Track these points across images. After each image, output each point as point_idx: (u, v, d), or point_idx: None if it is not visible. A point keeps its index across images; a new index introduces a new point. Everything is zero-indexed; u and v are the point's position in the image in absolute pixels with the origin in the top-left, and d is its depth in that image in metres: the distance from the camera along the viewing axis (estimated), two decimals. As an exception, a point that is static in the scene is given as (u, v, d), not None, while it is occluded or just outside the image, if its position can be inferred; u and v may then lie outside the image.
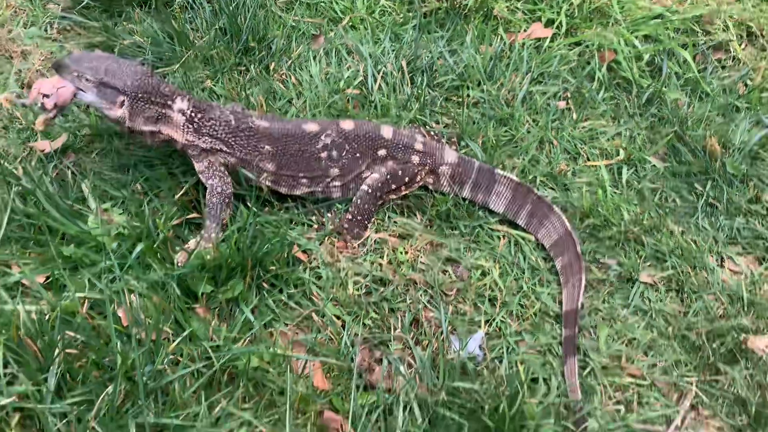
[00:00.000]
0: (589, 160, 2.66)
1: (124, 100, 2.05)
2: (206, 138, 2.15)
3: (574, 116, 2.81)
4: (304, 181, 2.27)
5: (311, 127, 2.26)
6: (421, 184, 2.39)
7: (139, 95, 2.06)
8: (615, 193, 2.56)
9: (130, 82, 2.05)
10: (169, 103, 2.12)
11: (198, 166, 2.18)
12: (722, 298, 2.29)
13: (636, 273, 2.32)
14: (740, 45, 3.16)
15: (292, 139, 2.22)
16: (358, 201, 2.27)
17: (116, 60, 2.11)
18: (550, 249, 2.31)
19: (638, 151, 2.70)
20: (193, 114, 2.13)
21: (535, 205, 2.31)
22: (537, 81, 2.91)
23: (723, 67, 3.12)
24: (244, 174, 2.19)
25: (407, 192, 2.36)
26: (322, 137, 2.25)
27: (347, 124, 2.30)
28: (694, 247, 2.42)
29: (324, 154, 2.26)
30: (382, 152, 2.32)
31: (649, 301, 2.27)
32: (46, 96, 2.00)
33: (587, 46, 3.03)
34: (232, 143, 2.18)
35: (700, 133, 2.75)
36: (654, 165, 2.68)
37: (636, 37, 3.04)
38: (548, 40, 3.04)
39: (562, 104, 2.85)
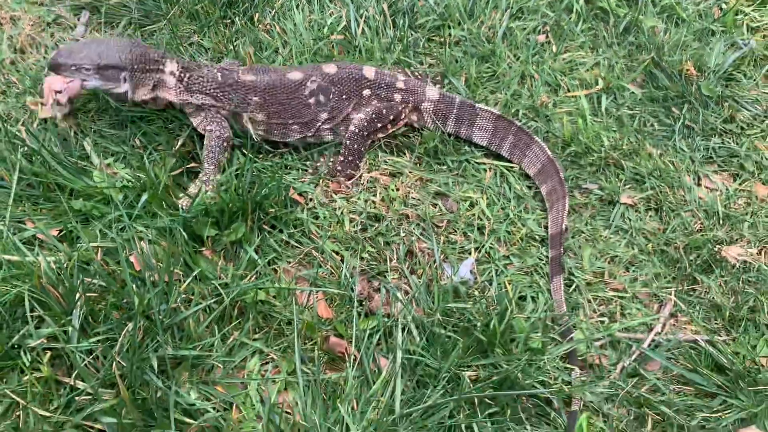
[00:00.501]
0: (569, 91, 2.75)
1: (125, 75, 2.18)
2: (197, 95, 2.27)
3: (554, 49, 2.89)
4: (295, 127, 2.37)
5: (296, 75, 2.35)
6: (405, 121, 2.49)
7: (136, 66, 2.18)
8: (595, 121, 2.66)
9: (125, 57, 2.16)
10: (161, 67, 2.23)
11: (194, 121, 2.29)
12: (699, 214, 2.42)
13: (617, 195, 2.44)
14: (715, -31, 3.21)
15: (278, 89, 2.32)
16: (348, 142, 2.37)
17: (103, 42, 2.22)
18: (535, 177, 2.43)
19: (617, 80, 2.79)
20: (182, 74, 2.24)
21: (516, 136, 2.42)
22: (516, 17, 2.97)
23: (698, -8, 3.18)
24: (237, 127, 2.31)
25: (393, 130, 2.46)
26: (308, 83, 2.34)
27: (330, 68, 2.38)
28: (672, 168, 2.54)
29: (312, 100, 2.35)
30: (366, 92, 2.41)
31: (630, 220, 2.40)
32: (58, 92, 2.17)
33: (564, -21, 3.08)
34: (221, 97, 2.28)
35: (676, 59, 2.84)
36: (632, 92, 2.78)
37: (612, -33, 3.09)
38: (526, -25, 3.09)
39: (541, 38, 2.92)
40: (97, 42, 2.22)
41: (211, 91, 2.26)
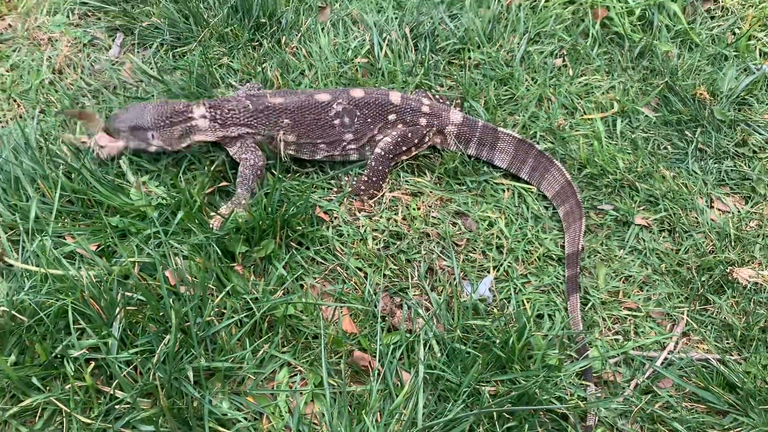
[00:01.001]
0: (585, 113, 2.84)
1: (153, 134, 2.32)
2: (233, 128, 2.38)
3: (570, 72, 2.98)
4: (322, 146, 2.47)
5: (323, 96, 2.45)
6: (429, 144, 2.58)
7: (161, 124, 2.32)
8: (610, 143, 2.74)
9: (149, 118, 2.32)
10: (190, 115, 2.35)
11: (231, 150, 2.40)
12: (711, 236, 2.49)
13: (631, 216, 2.52)
14: (728, -5, 3.30)
15: (306, 110, 2.42)
16: (373, 163, 2.46)
17: (141, 106, 2.37)
18: (553, 199, 2.51)
19: (631, 103, 2.87)
20: (213, 113, 2.35)
21: (536, 159, 2.51)
22: (534, 40, 3.07)
23: (712, 18, 3.26)
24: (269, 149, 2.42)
25: (417, 152, 2.55)
26: (334, 105, 2.44)
27: (357, 92, 2.48)
28: (685, 190, 2.62)
29: (337, 122, 2.45)
30: (392, 117, 2.50)
31: (644, 241, 2.48)
32: (101, 147, 2.33)
33: (581, 4, 3.18)
34: (255, 124, 2.39)
35: (689, 83, 2.92)
36: (646, 115, 2.86)
37: (627, -7, 3.19)
38: (543, 0, 3.19)
39: (558, 62, 3.01)
40: (138, 106, 2.38)
41: (246, 120, 2.37)
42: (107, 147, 2.32)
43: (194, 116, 2.34)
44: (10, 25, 2.89)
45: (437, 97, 2.71)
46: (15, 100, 2.60)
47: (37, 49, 2.80)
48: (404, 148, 2.50)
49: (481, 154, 2.59)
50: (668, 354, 2.19)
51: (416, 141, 2.51)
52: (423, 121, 2.53)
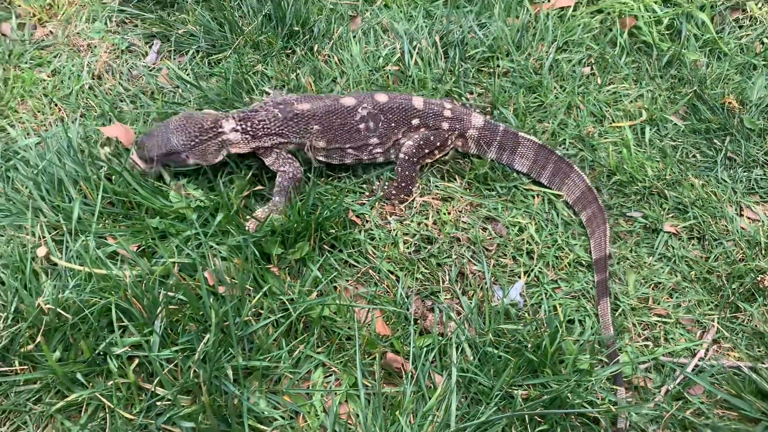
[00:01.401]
0: (613, 121, 2.86)
1: (187, 155, 2.33)
2: (265, 138, 2.41)
3: (599, 81, 3.00)
4: (350, 151, 2.51)
5: (348, 101, 2.48)
6: (452, 147, 2.62)
7: (192, 144, 2.32)
8: (639, 151, 2.76)
9: (177, 141, 2.30)
10: (220, 130, 2.36)
11: (267, 161, 2.43)
12: (741, 244, 2.50)
13: (660, 224, 2.53)
14: (757, 4, 3.30)
15: (333, 115, 2.46)
16: (399, 169, 2.50)
17: (164, 128, 2.32)
18: (574, 204, 2.54)
19: (660, 111, 2.89)
20: (244, 126, 2.38)
21: (556, 165, 2.54)
22: (562, 49, 3.10)
23: (740, 27, 3.27)
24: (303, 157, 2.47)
25: (440, 156, 2.59)
26: (359, 110, 2.48)
27: (382, 97, 2.52)
28: (714, 198, 2.63)
29: (362, 126, 2.49)
30: (415, 121, 2.54)
31: (673, 248, 2.49)
32: (137, 164, 2.33)
33: (609, 14, 3.21)
34: (287, 133, 2.42)
35: (718, 92, 2.93)
36: (675, 123, 2.87)
37: (655, 2, 3.20)
38: (571, 9, 3.22)
39: (586, 70, 3.04)
40: (158, 129, 2.33)
41: (277, 129, 2.40)
42: (143, 169, 2.34)
43: (225, 130, 2.36)
44: (51, 32, 2.97)
45: (462, 104, 2.75)
46: (56, 105, 2.67)
47: (77, 55, 2.88)
48: (427, 151, 2.53)
49: (501, 159, 2.62)
50: (699, 361, 2.20)
51: (438, 144, 2.54)
52: (445, 125, 2.56)
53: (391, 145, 2.54)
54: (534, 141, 2.55)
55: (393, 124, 2.52)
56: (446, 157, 2.64)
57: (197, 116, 2.38)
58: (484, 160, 2.60)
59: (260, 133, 2.39)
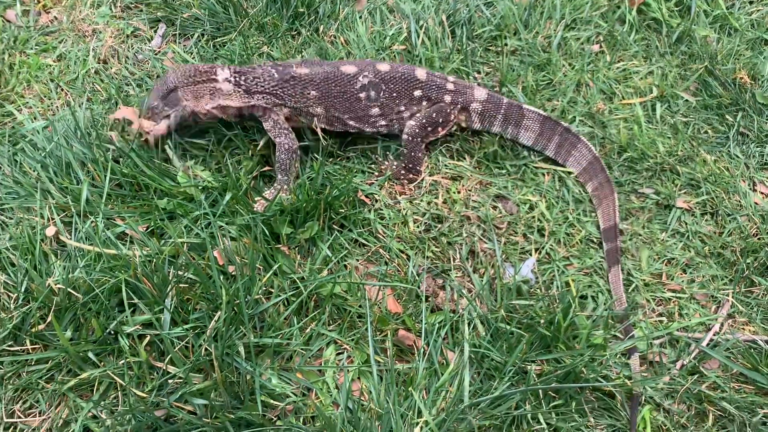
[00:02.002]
0: (624, 98, 2.83)
1: (181, 93, 2.32)
2: (258, 96, 2.37)
3: (608, 58, 2.97)
4: (351, 123, 2.47)
5: (349, 68, 2.44)
6: (455, 122, 2.58)
7: (187, 81, 2.32)
8: (650, 127, 2.73)
9: (173, 78, 2.33)
10: (213, 77, 2.35)
11: (265, 125, 2.40)
12: (755, 219, 2.47)
13: (672, 200, 2.51)
14: (767, -21, 3.26)
15: (333, 82, 2.42)
16: (405, 150, 2.47)
17: (163, 77, 2.37)
18: (580, 175, 2.51)
19: (670, 88, 2.86)
20: (237, 78, 2.36)
21: (562, 136, 2.51)
22: (570, 27, 3.06)
23: (750, 2, 3.23)
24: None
25: (445, 132, 2.55)
26: (360, 78, 2.44)
27: (383, 66, 2.47)
28: (727, 174, 2.60)
29: (363, 95, 2.45)
30: (417, 93, 2.50)
31: (686, 224, 2.46)
32: (147, 132, 2.33)
33: (617, -10, 3.17)
34: (281, 94, 2.39)
35: (729, 67, 2.89)
36: (686, 100, 2.84)
37: (664, -22, 3.16)
38: (579, -13, 3.18)
39: (595, 47, 3.00)
40: (158, 80, 2.39)
41: (271, 89, 2.37)
42: (153, 131, 2.33)
43: (218, 78, 2.34)
44: (56, 18, 2.96)
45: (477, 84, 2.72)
46: (63, 89, 2.66)
47: (82, 41, 2.87)
48: (430, 129, 2.50)
49: (506, 132, 2.59)
50: (714, 335, 2.17)
51: (441, 120, 2.51)
52: (448, 98, 2.52)
53: (393, 117, 2.50)
54: (539, 112, 2.52)
55: (395, 95, 2.47)
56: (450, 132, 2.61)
57: (193, 64, 2.40)
58: (492, 137, 2.58)
59: (253, 89, 2.36)
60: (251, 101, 2.37)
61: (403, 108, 2.50)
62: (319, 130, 2.43)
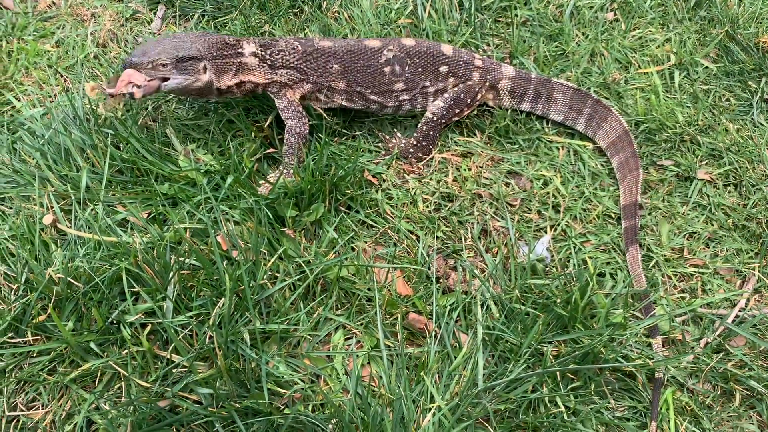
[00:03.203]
0: (640, 67, 2.71)
1: (205, 65, 2.17)
2: (281, 71, 2.28)
3: (623, 26, 2.85)
4: (373, 97, 2.38)
5: (373, 43, 2.36)
6: (481, 101, 2.49)
7: (215, 54, 2.18)
8: (668, 97, 2.61)
9: (201, 46, 2.16)
10: (240, 50, 2.23)
11: (279, 104, 2.31)
12: (781, 188, 2.36)
13: (693, 171, 2.40)
14: (790, -63, 3.10)
15: (356, 55, 2.33)
16: (423, 128, 2.38)
17: (177, 36, 2.20)
18: (607, 149, 2.41)
19: (689, 55, 2.74)
20: (263, 52, 2.26)
21: (593, 108, 2.40)
22: (583, -5, 2.95)
23: (773, -38, 3.08)
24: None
25: (469, 112, 2.46)
26: (384, 52, 2.35)
27: (408, 41, 2.39)
28: (751, 143, 2.48)
29: (387, 69, 2.36)
30: (443, 68, 2.41)
31: (708, 196, 2.36)
32: (137, 87, 2.08)
33: (632, -45, 3.03)
34: (305, 68, 2.30)
35: (752, 31, 2.77)
36: (706, 67, 2.72)
37: (681, -59, 3.03)
38: (592, -47, 3.05)
39: (609, 15, 2.88)
40: (171, 37, 2.19)
41: (295, 63, 2.28)
42: (144, 87, 2.09)
43: (244, 52, 2.23)
44: (54, 3, 2.89)
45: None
46: (61, 75, 2.61)
47: (81, 25, 2.80)
48: (456, 111, 2.41)
49: (536, 109, 2.49)
50: (740, 311, 2.08)
51: (468, 101, 2.41)
52: (476, 75, 2.43)
53: (417, 92, 2.41)
54: (568, 85, 2.43)
55: (420, 69, 2.39)
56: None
57: (215, 34, 2.26)
58: (503, 111, 2.48)
59: (278, 64, 2.27)
60: (274, 77, 2.28)
61: (428, 83, 2.41)
62: (323, 113, 2.35)
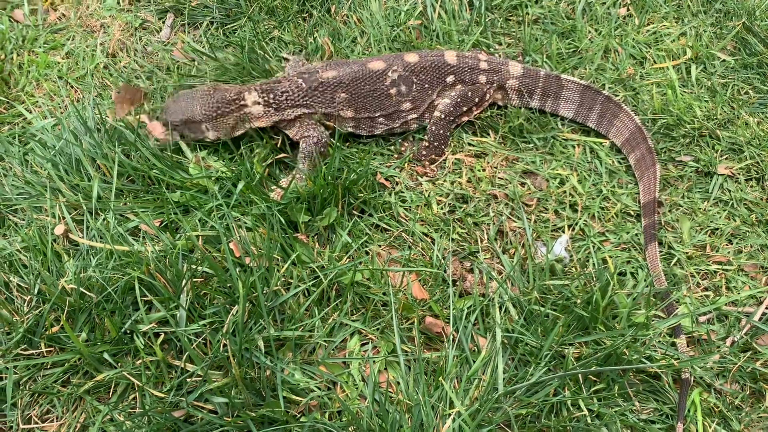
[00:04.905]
0: (655, 62, 2.66)
1: (207, 125, 2.24)
2: (289, 110, 2.28)
3: (636, 22, 2.80)
4: (381, 120, 2.37)
5: (377, 65, 2.34)
6: (490, 101, 2.45)
7: (213, 115, 2.23)
8: (685, 92, 2.56)
9: (199, 110, 2.23)
10: (242, 103, 2.25)
11: (290, 133, 2.31)
12: (805, 182, 2.30)
13: (713, 166, 2.35)
14: (806, -73, 3.04)
15: (361, 81, 2.31)
16: (433, 128, 2.35)
17: (190, 95, 2.27)
18: (623, 146, 2.37)
19: (705, 48, 2.68)
20: (267, 98, 2.26)
21: (604, 105, 2.36)
22: (595, -9, 2.90)
23: (789, -48, 3.02)
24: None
25: (478, 112, 2.43)
26: (389, 73, 2.33)
27: (411, 57, 2.37)
28: (772, 136, 2.42)
29: (393, 90, 2.34)
30: (450, 78, 2.39)
31: (729, 191, 2.30)
32: (157, 140, 2.28)
33: (644, -51, 2.99)
34: (312, 103, 2.29)
35: (769, 22, 2.71)
36: (723, 60, 2.67)
37: (694, -67, 2.98)
38: (603, -51, 3.01)
39: (622, 11, 2.84)
40: (185, 96, 2.28)
41: (301, 100, 2.27)
42: (162, 138, 2.27)
43: (247, 103, 2.25)
44: (63, 15, 2.90)
45: (494, 55, 2.59)
46: (72, 86, 2.60)
47: (91, 36, 2.80)
48: (464, 109, 2.38)
49: (545, 106, 2.45)
50: (766, 309, 2.02)
51: (476, 100, 2.39)
52: (482, 78, 2.40)
53: (425, 108, 2.40)
54: (578, 82, 2.38)
55: (426, 86, 2.37)
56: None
57: (223, 87, 2.30)
58: (517, 110, 2.44)
59: (284, 105, 2.27)
60: (281, 117, 2.29)
61: (435, 96, 2.39)
62: (338, 127, 2.33)
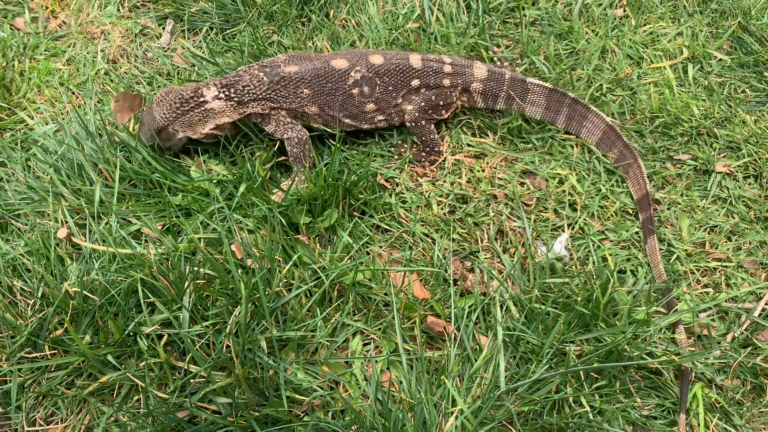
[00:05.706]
0: (652, 62, 2.68)
1: (173, 128, 2.23)
2: (252, 104, 2.26)
3: (633, 22, 2.82)
4: (347, 121, 2.34)
5: (340, 63, 2.30)
6: (457, 104, 2.44)
7: (174, 116, 2.22)
8: (682, 90, 2.58)
9: (160, 115, 2.22)
10: (201, 99, 2.23)
11: (268, 129, 2.29)
12: (803, 179, 2.31)
13: (711, 164, 2.36)
14: (800, -73, 3.06)
15: (323, 79, 2.28)
16: (416, 138, 2.37)
17: (147, 109, 2.28)
18: (598, 146, 2.38)
19: (702, 48, 2.70)
20: (228, 92, 2.24)
21: (571, 107, 2.37)
22: (591, -8, 2.92)
23: (784, -48, 3.04)
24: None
25: (449, 113, 2.42)
26: (352, 73, 2.30)
27: (377, 59, 2.33)
28: (769, 133, 2.44)
29: (356, 91, 2.31)
30: (415, 82, 2.36)
31: (728, 189, 2.31)
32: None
33: (639, -49, 3.01)
34: (275, 97, 2.27)
35: (765, 21, 2.73)
36: (720, 59, 2.68)
37: (689, -66, 3.00)
38: (598, -49, 3.03)
39: (619, 12, 2.86)
40: (145, 112, 2.28)
41: (264, 94, 2.25)
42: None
43: (207, 99, 2.23)
44: (64, 22, 2.92)
45: (495, 60, 2.61)
46: (73, 92, 2.62)
47: (91, 43, 2.82)
48: (431, 111, 2.36)
49: (510, 109, 2.45)
50: (766, 305, 2.03)
51: (442, 103, 2.37)
52: (446, 81, 2.39)
53: (392, 112, 2.38)
54: (544, 85, 2.38)
55: (390, 88, 2.34)
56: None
57: (177, 88, 2.28)
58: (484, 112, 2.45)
59: (246, 98, 2.25)
60: (246, 110, 2.27)
61: (401, 100, 2.37)
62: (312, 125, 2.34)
